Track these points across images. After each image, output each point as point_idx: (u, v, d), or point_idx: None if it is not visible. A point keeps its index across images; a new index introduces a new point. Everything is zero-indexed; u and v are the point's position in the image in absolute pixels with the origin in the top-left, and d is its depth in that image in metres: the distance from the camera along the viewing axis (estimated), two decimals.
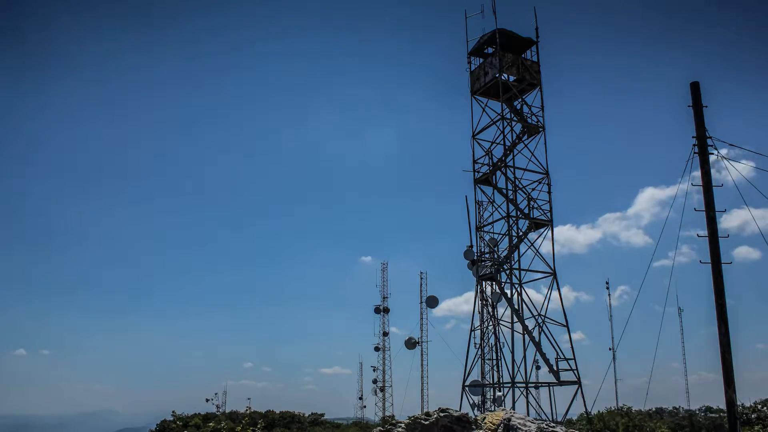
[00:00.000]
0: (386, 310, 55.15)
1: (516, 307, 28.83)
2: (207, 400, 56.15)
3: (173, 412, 51.27)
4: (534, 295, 30.54)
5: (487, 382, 29.80)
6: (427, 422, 10.80)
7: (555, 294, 29.48)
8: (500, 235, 30.59)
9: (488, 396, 29.76)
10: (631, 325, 20.85)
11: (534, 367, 32.28)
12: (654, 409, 54.22)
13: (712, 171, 15.61)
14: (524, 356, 28.18)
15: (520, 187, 30.43)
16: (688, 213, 15.84)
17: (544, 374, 30.83)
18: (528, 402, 28.54)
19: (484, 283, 30.24)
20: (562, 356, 28.47)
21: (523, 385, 28.42)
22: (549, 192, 30.56)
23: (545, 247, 30.51)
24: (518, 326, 28.62)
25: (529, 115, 31.41)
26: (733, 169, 15.52)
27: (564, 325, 29.39)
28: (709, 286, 15.23)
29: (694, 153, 15.79)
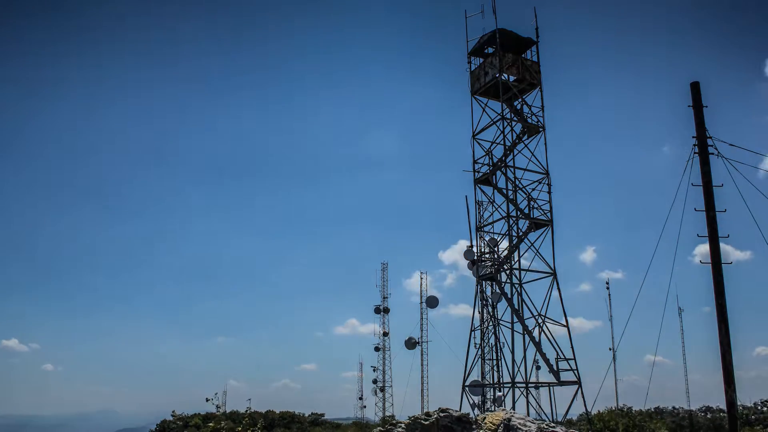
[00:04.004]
0: (386, 310, 55.06)
1: (516, 307, 28.83)
2: (207, 400, 55.99)
3: (173, 412, 51.24)
4: (534, 295, 30.45)
5: (487, 383, 29.79)
6: (427, 422, 10.80)
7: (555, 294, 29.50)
8: (500, 235, 30.61)
9: (488, 396, 29.75)
10: (631, 324, 20.84)
11: (534, 367, 32.24)
12: (654, 409, 54.08)
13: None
14: (524, 356, 28.19)
15: (520, 187, 30.44)
16: (688, 213, 15.81)
17: (544, 374, 30.81)
18: (528, 402, 28.56)
19: (484, 283, 30.23)
20: (562, 356, 28.46)
21: (523, 385, 28.41)
22: (549, 192, 30.57)
23: (545, 247, 30.37)
24: (518, 326, 28.65)
25: (529, 115, 31.39)
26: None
27: (564, 326, 29.39)
28: (710, 286, 15.22)
29: (694, 153, 15.78)
